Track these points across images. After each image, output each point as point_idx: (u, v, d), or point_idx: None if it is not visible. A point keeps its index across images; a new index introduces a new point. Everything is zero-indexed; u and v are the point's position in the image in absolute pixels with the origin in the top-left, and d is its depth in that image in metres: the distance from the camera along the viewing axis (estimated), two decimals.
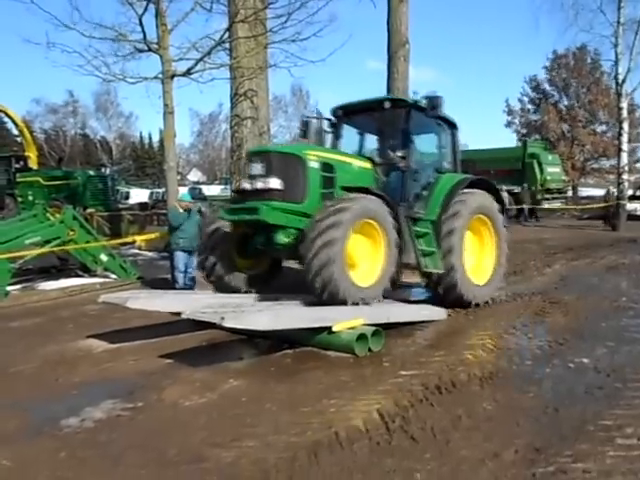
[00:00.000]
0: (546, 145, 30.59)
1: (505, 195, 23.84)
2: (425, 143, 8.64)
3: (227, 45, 13.23)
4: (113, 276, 11.34)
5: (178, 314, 6.15)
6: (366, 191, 6.86)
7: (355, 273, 6.62)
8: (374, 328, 6.17)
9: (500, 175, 27.11)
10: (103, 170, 27.93)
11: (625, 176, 21.76)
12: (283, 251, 7.10)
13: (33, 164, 22.67)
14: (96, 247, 11.22)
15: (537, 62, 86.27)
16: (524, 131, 42.57)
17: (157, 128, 59.83)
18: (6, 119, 38.38)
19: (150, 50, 13.04)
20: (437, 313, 7.42)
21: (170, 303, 6.75)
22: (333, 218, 6.20)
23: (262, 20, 13.08)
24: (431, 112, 7.48)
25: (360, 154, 8.40)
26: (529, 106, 43.37)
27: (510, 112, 43.61)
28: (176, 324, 6.80)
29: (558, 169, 28.61)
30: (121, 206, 26.25)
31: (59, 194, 20.48)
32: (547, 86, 42.49)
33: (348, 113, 8.57)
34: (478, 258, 8.34)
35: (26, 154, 22.83)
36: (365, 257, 6.84)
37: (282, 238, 6.77)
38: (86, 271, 11.54)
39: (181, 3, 19.95)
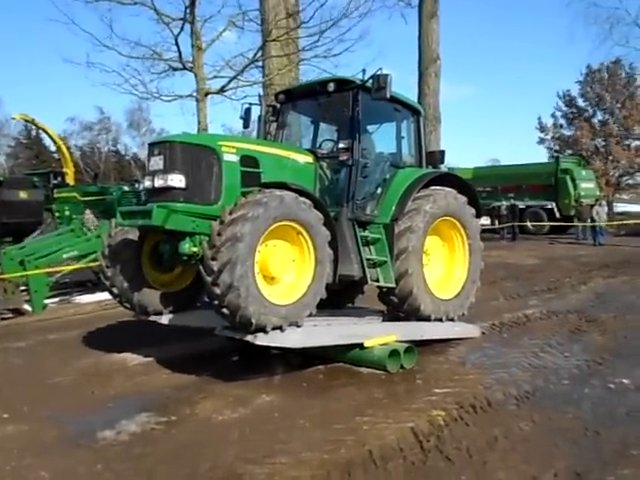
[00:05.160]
0: (580, 161, 30.09)
1: None
2: (383, 133, 7.46)
3: (260, 63, 13.51)
4: None
5: (210, 329, 6.18)
6: (284, 186, 5.63)
7: (274, 288, 5.54)
8: (406, 345, 6.12)
9: (532, 191, 26.91)
10: (137, 186, 28.44)
11: None
12: (192, 263, 5.85)
13: (70, 180, 23.19)
14: None
15: (569, 77, 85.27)
16: (557, 147, 42.09)
17: None
18: (45, 136, 39.68)
19: (185, 68, 13.41)
20: (470, 330, 7.32)
21: (202, 319, 6.79)
22: (242, 212, 5.09)
23: (294, 38, 13.33)
24: (377, 93, 6.20)
25: (313, 147, 7.28)
26: (562, 121, 42.91)
27: (542, 129, 43.19)
28: (208, 339, 6.84)
29: (592, 185, 28.09)
30: None
31: (95, 209, 20.92)
32: (580, 101, 42.01)
33: (292, 98, 7.42)
34: (447, 267, 7.30)
35: (64, 170, 23.40)
36: (289, 270, 5.67)
37: (188, 247, 5.60)
38: None
39: (215, 22, 20.49)
